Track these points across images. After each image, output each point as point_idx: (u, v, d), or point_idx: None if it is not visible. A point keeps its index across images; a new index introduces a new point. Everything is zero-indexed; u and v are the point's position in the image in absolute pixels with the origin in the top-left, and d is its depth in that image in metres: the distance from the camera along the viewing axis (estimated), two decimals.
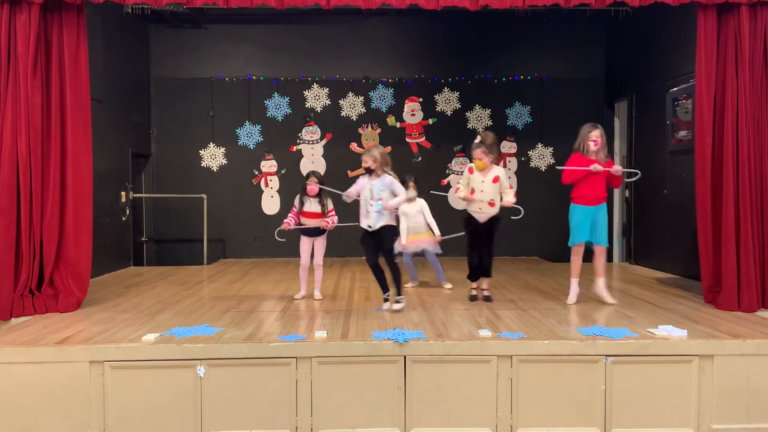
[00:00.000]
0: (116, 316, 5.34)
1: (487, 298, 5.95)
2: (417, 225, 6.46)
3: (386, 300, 5.51)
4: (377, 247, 5.40)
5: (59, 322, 5.10)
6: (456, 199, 6.66)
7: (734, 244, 5.52)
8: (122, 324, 5.01)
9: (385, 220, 5.37)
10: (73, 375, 4.30)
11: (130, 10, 8.66)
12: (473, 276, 5.97)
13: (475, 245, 5.84)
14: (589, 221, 5.60)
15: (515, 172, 10.09)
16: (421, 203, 6.55)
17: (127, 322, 5.09)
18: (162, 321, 5.14)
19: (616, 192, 9.89)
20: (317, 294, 6.14)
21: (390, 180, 5.42)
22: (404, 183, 6.43)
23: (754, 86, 5.57)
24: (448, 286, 6.71)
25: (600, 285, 5.78)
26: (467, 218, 5.84)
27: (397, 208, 5.53)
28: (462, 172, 9.95)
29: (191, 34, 9.92)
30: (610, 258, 9.94)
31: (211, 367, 4.32)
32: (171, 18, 9.65)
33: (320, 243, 6.05)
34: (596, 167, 5.51)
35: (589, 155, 5.60)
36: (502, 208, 5.77)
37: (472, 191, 5.73)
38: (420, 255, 6.67)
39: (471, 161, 5.86)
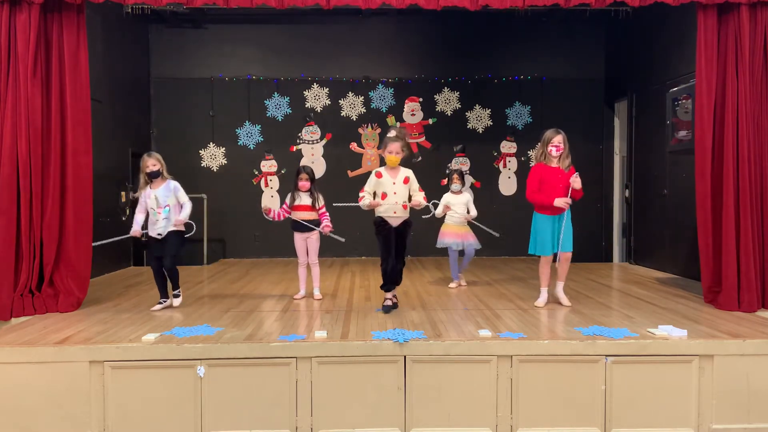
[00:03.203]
0: (116, 316, 5.34)
1: (394, 305, 5.54)
2: (461, 218, 6.56)
3: (160, 303, 5.60)
4: (162, 253, 5.47)
5: (59, 322, 5.10)
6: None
7: (734, 244, 5.52)
8: (122, 324, 5.01)
9: (172, 226, 5.47)
10: (73, 375, 4.29)
11: (130, 10, 8.68)
12: (388, 286, 5.51)
13: (389, 251, 5.40)
14: (553, 231, 5.50)
15: (515, 172, 10.10)
16: (467, 197, 6.63)
17: (127, 322, 5.09)
18: (162, 321, 5.14)
19: (616, 192, 9.90)
20: (317, 293, 6.14)
21: (175, 185, 5.53)
22: (450, 176, 6.55)
23: (754, 86, 5.56)
24: (463, 283, 6.86)
25: (559, 288, 5.72)
26: (379, 223, 5.43)
27: (187, 221, 5.53)
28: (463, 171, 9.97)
29: (191, 34, 9.93)
30: (609, 258, 9.98)
31: (211, 367, 4.32)
32: (171, 18, 9.67)
33: (313, 240, 6.03)
34: (559, 202, 5.32)
35: (550, 162, 5.45)
36: (412, 210, 5.45)
37: (384, 196, 5.37)
38: (461, 253, 6.70)
39: (384, 161, 5.44)
